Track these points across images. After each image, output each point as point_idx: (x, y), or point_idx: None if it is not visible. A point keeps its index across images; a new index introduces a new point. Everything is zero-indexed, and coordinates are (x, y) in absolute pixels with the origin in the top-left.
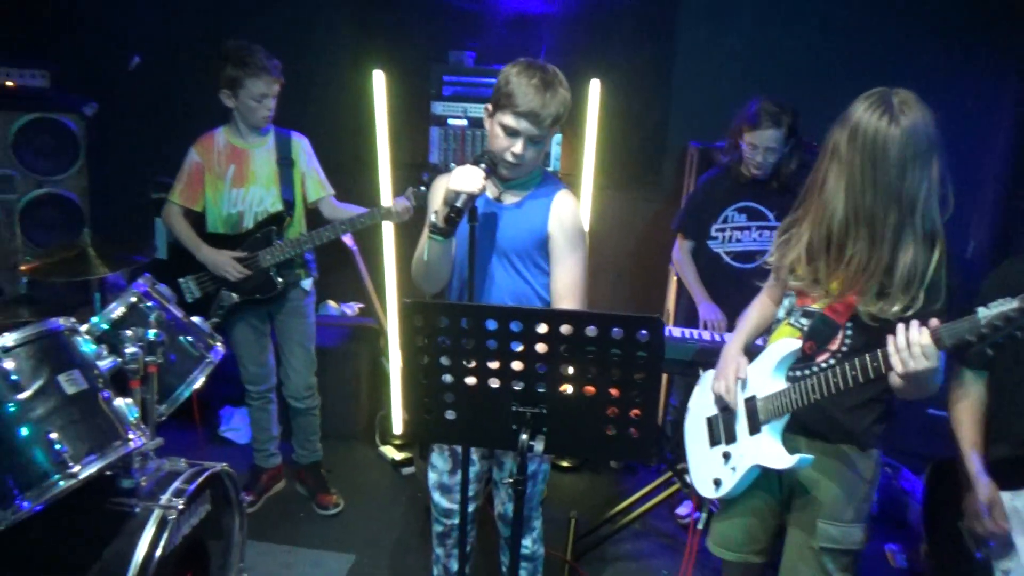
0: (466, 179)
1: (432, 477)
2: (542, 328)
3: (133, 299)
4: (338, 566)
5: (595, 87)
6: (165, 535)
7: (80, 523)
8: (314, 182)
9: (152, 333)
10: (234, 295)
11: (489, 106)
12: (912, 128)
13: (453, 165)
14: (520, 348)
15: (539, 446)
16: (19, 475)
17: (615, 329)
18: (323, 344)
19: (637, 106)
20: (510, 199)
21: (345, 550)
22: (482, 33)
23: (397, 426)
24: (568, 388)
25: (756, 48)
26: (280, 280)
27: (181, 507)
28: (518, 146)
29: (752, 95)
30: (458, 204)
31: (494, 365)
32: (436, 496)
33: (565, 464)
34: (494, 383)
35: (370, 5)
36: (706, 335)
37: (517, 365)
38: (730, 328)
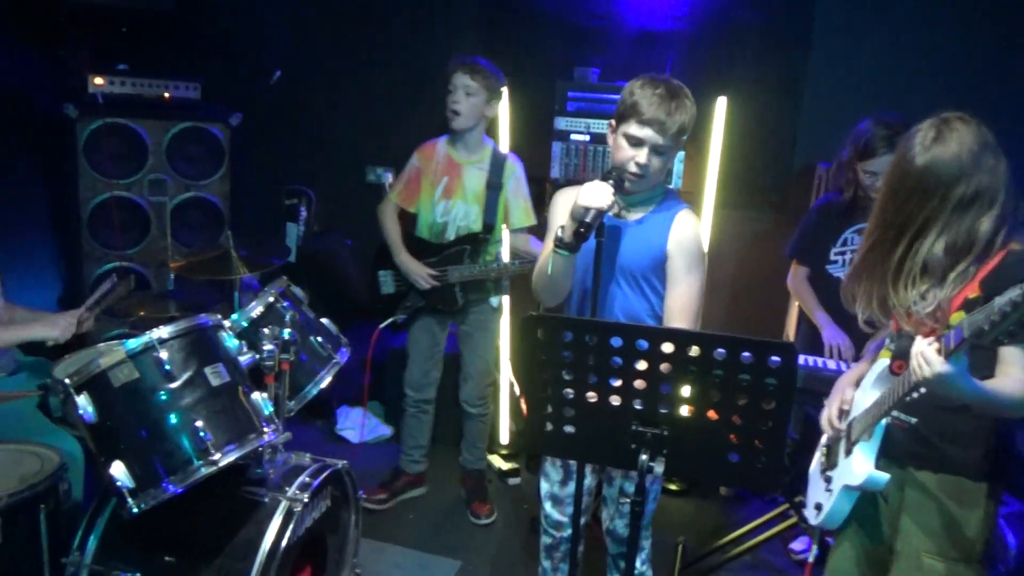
0: (595, 195)
1: (544, 487)
2: (667, 348)
3: (271, 299)
4: (444, 571)
5: (721, 104)
6: (291, 526)
7: (214, 507)
8: (521, 209)
9: (287, 332)
10: (421, 299)
11: (613, 121)
12: (931, 161)
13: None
14: (644, 367)
15: (659, 468)
16: (167, 459)
17: (745, 353)
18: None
19: (763, 124)
20: (632, 216)
21: (451, 555)
22: (607, 50)
23: (504, 436)
24: (691, 410)
25: (892, 64)
26: (462, 297)
27: (306, 500)
28: (642, 155)
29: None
30: (587, 219)
31: (616, 383)
32: (547, 507)
33: (673, 487)
34: (615, 401)
35: (498, 23)
36: (831, 363)
37: (640, 384)
38: (858, 357)
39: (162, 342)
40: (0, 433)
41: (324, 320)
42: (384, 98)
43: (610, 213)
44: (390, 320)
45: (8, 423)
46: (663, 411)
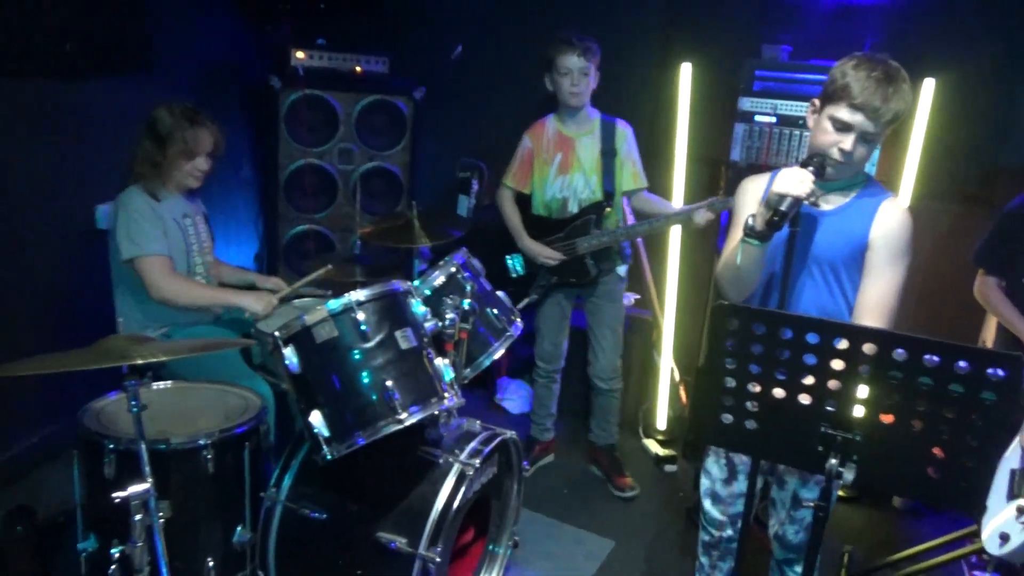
0: (794, 182)
1: (705, 484)
2: (869, 349)
3: (453, 269)
4: (598, 549)
5: (928, 87)
6: (462, 488)
7: (394, 463)
8: (630, 173)
9: (467, 303)
10: (552, 277)
11: (817, 100)
12: None
13: (768, 167)
14: (840, 367)
15: (849, 475)
16: (358, 413)
17: (962, 363)
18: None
19: (975, 111)
20: (829, 204)
21: (604, 534)
22: (800, 26)
23: (662, 421)
24: (889, 418)
25: None
26: (594, 266)
27: (477, 465)
28: (848, 142)
29: None
30: (782, 208)
31: (808, 381)
32: (707, 504)
33: (841, 492)
34: (805, 399)
35: None
36: None
37: (834, 384)
38: None
39: (359, 304)
40: (209, 374)
41: (500, 293)
42: None
43: (806, 202)
44: (525, 301)
45: (214, 366)
46: (857, 415)
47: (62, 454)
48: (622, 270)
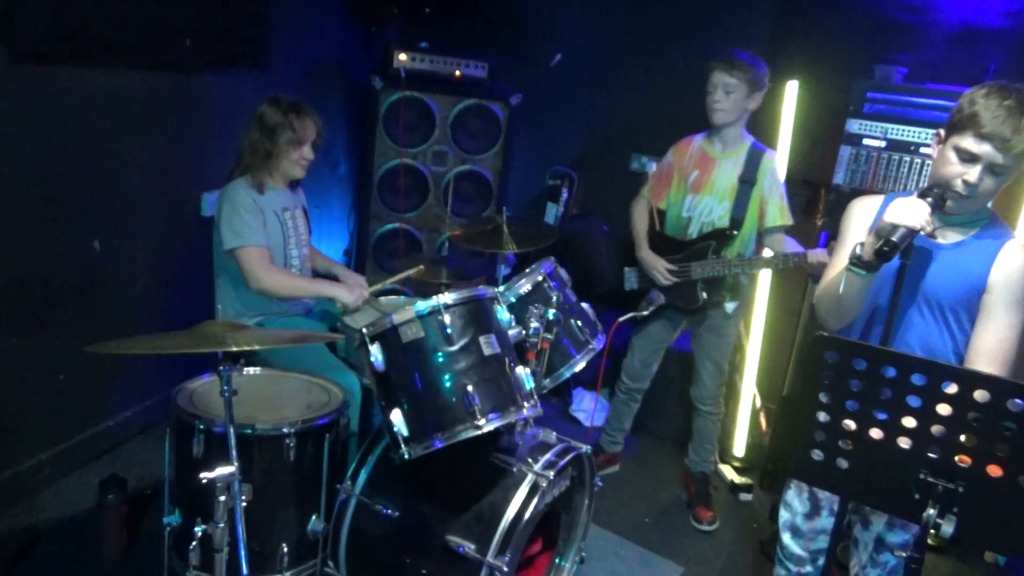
0: (909, 212)
1: (785, 516)
2: (981, 396)
3: (539, 278)
4: (665, 573)
5: None
6: (535, 499)
7: (468, 467)
8: (776, 208)
9: (552, 312)
10: (661, 297)
11: (942, 131)
12: None
13: (873, 193)
14: (947, 412)
15: (948, 527)
16: (438, 415)
17: None
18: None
19: None
20: (947, 238)
21: (673, 558)
22: (917, 47)
23: (740, 447)
24: (998, 471)
25: None
26: (704, 296)
27: (551, 478)
28: (973, 174)
29: None
30: (894, 238)
31: (910, 424)
32: (787, 538)
33: (929, 542)
34: (904, 443)
35: (792, 12)
36: None
37: (938, 430)
38: None
39: (447, 307)
40: (297, 364)
41: (584, 304)
42: (660, 87)
43: (921, 233)
44: (630, 315)
45: (302, 356)
46: (961, 465)
47: (153, 428)
48: (730, 307)
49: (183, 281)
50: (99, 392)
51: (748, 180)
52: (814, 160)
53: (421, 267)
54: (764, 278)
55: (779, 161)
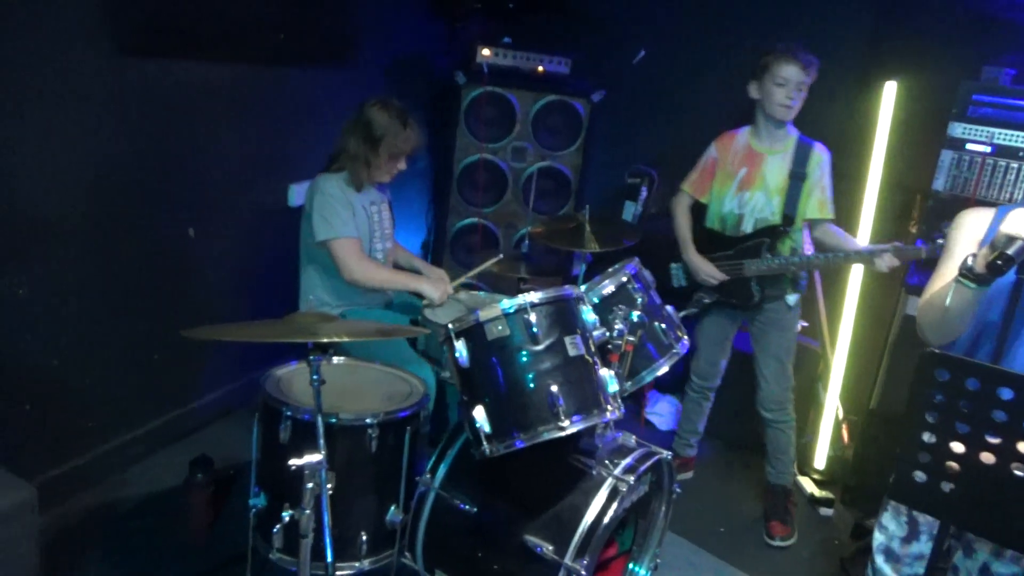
0: None
1: (879, 539)
2: None
3: (623, 279)
4: None
5: None
6: (615, 504)
7: (548, 467)
8: (817, 201)
9: (636, 315)
10: (715, 294)
11: None
12: None
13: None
14: None
15: None
16: (520, 415)
17: None
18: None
19: None
20: None
21: (748, 571)
22: None
23: (820, 460)
24: None
25: None
26: (759, 292)
27: (631, 483)
28: None
29: None
30: (1010, 252)
31: None
32: (879, 561)
33: None
34: (1020, 470)
35: (893, 10)
36: None
37: None
38: None
39: (533, 306)
40: (378, 355)
41: (668, 307)
42: (742, 86)
43: None
44: (681, 313)
45: (383, 347)
46: None
47: (236, 411)
48: (792, 299)
49: (269, 269)
50: (188, 374)
51: (799, 175)
52: (911, 164)
53: (500, 256)
54: (853, 285)
55: (828, 155)
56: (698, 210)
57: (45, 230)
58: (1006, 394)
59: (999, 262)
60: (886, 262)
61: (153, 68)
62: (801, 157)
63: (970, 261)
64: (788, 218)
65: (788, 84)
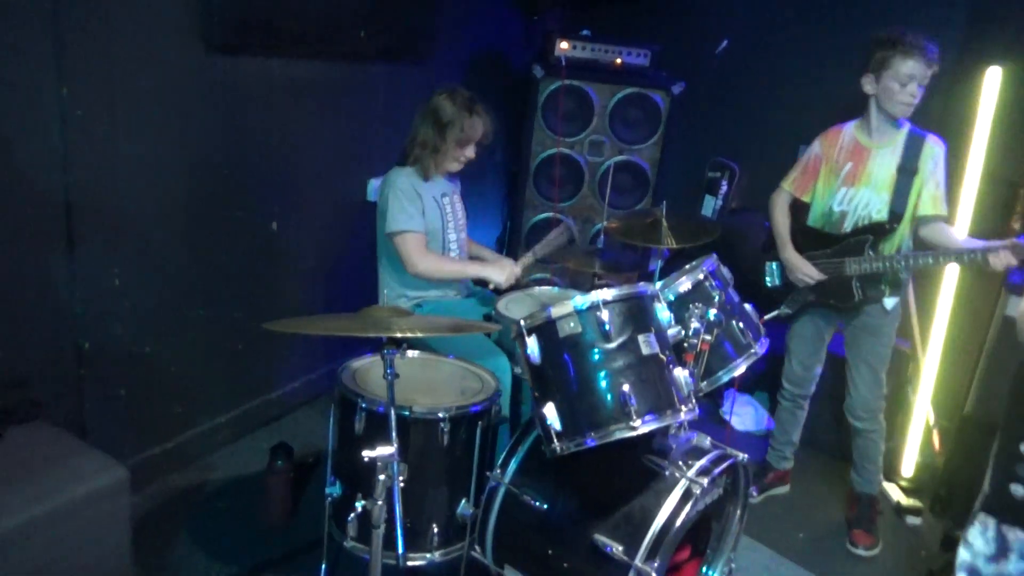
0: None
1: (964, 556)
2: None
3: (700, 276)
4: None
5: None
6: (688, 506)
7: (619, 466)
8: (930, 196)
9: (713, 313)
10: (811, 294)
11: None
12: None
13: None
14: None
15: None
16: (592, 413)
17: None
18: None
19: None
20: None
21: None
22: None
23: (908, 467)
24: None
25: None
26: (859, 292)
27: (705, 485)
28: None
29: None
30: None
31: None
32: None
33: None
34: None
35: None
36: None
37: None
38: None
39: (606, 304)
40: (454, 349)
41: (747, 305)
42: (831, 77)
43: None
44: (774, 313)
45: (459, 341)
46: None
47: (316, 400)
48: (890, 303)
49: (348, 263)
50: (271, 363)
51: (908, 169)
52: (1014, 156)
53: (563, 221)
54: (948, 283)
55: (943, 147)
56: (797, 208)
57: (138, 221)
58: None
59: None
60: (1003, 260)
61: (240, 65)
62: (912, 150)
63: None
64: (895, 215)
65: (913, 80)
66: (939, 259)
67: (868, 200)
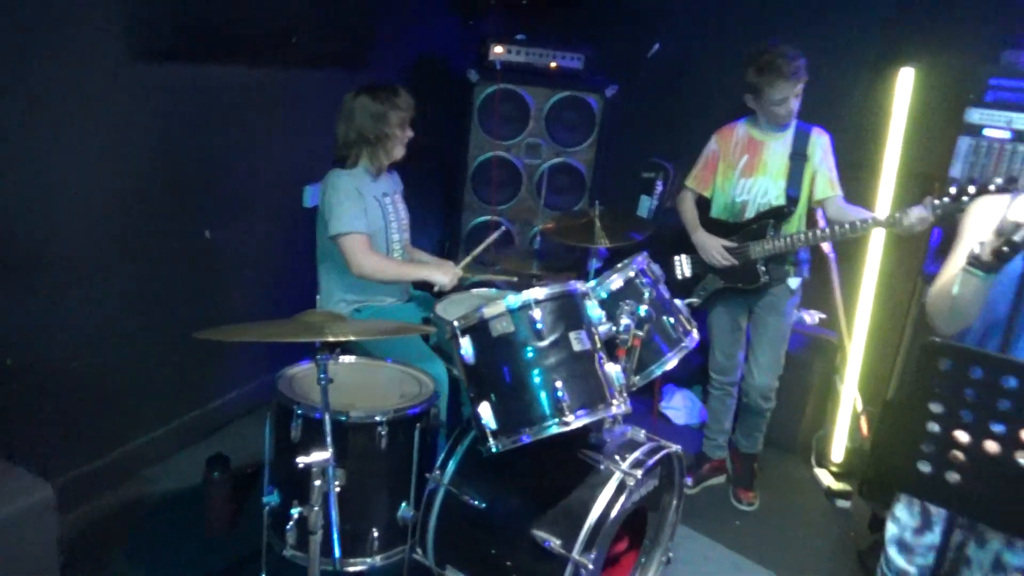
0: None
1: (892, 530)
2: None
3: (631, 274)
4: None
5: None
6: (622, 498)
7: (555, 463)
8: (824, 180)
9: (643, 309)
10: (720, 280)
11: None
12: None
13: (998, 181)
14: None
15: None
16: (525, 411)
17: None
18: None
19: None
20: None
21: (765, 565)
22: None
23: (838, 452)
24: None
25: None
26: (765, 273)
27: (639, 477)
28: None
29: None
30: (1016, 238)
31: None
32: (892, 551)
33: None
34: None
35: None
36: None
37: None
38: None
39: (537, 302)
40: (392, 353)
41: (678, 301)
42: None
43: None
44: (687, 301)
45: (395, 344)
46: None
47: (259, 409)
48: (793, 283)
49: (287, 270)
50: (209, 373)
51: (799, 158)
52: (928, 152)
53: (502, 230)
54: (870, 273)
55: (828, 136)
56: (703, 205)
57: (65, 233)
58: (1010, 383)
59: (1005, 249)
60: (915, 214)
61: (172, 73)
62: (801, 140)
63: (978, 249)
64: (792, 199)
65: (784, 101)
66: (843, 232)
67: (766, 188)
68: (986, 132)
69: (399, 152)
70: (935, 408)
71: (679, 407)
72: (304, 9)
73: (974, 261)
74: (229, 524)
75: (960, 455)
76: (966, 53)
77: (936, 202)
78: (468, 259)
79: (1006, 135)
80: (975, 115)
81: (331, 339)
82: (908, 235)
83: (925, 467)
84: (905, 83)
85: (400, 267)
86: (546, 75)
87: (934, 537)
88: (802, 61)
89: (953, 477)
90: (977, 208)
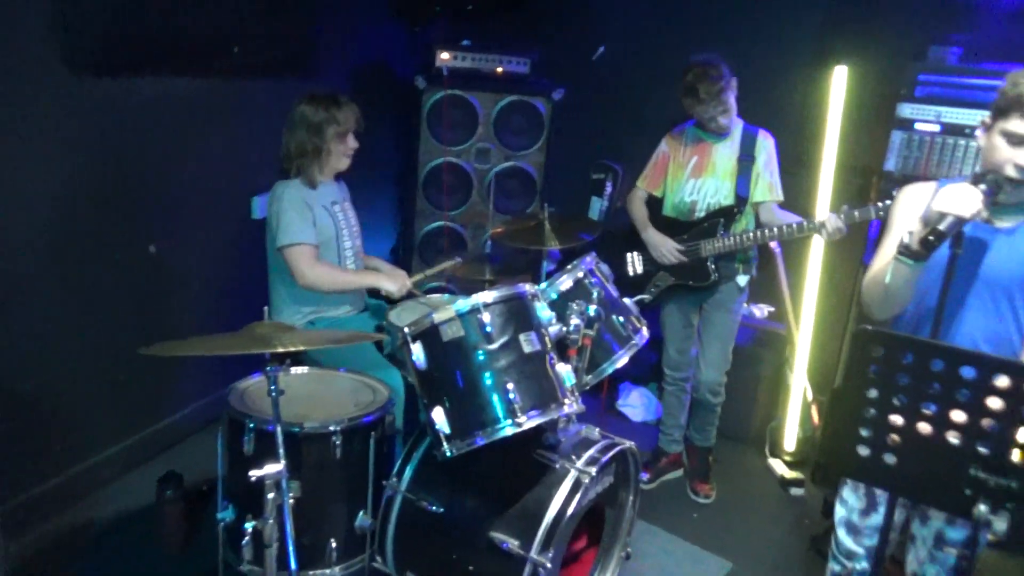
0: (958, 200)
1: (840, 512)
2: None
3: (580, 274)
4: (714, 569)
5: None
6: (577, 495)
7: (511, 464)
8: (764, 184)
9: (592, 309)
10: (671, 277)
11: (987, 118)
12: None
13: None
14: (999, 406)
15: (1000, 525)
16: (478, 413)
17: None
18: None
19: None
20: (1002, 223)
21: (722, 554)
22: (974, 27)
23: (790, 442)
24: None
25: None
26: (715, 271)
27: (593, 474)
28: (1023, 156)
29: None
30: (941, 227)
31: (959, 418)
32: (841, 533)
33: (991, 536)
34: (954, 438)
35: None
36: None
37: (988, 424)
38: None
39: (486, 306)
40: (346, 363)
41: (627, 300)
42: None
43: (976, 219)
44: (637, 298)
45: (349, 354)
46: (1015, 460)
47: (213, 425)
48: (742, 280)
49: (235, 283)
50: (159, 390)
51: (746, 159)
52: (864, 147)
53: (458, 260)
54: (814, 264)
55: (772, 140)
56: (655, 204)
57: (3, 249)
58: (938, 366)
59: (931, 238)
60: (832, 223)
61: (109, 85)
62: (748, 143)
63: (906, 238)
64: (740, 199)
65: (714, 119)
66: (783, 232)
67: (716, 188)
68: (917, 126)
69: (342, 164)
70: (871, 394)
71: (636, 404)
72: (245, 18)
73: (903, 250)
74: (184, 543)
75: (896, 437)
76: (896, 51)
77: (846, 211)
78: (420, 276)
79: (936, 128)
80: (906, 110)
81: (280, 350)
82: (829, 240)
83: (864, 451)
84: (840, 81)
85: (346, 276)
86: (493, 80)
87: (879, 518)
88: (725, 80)
89: (890, 459)
90: (905, 197)
